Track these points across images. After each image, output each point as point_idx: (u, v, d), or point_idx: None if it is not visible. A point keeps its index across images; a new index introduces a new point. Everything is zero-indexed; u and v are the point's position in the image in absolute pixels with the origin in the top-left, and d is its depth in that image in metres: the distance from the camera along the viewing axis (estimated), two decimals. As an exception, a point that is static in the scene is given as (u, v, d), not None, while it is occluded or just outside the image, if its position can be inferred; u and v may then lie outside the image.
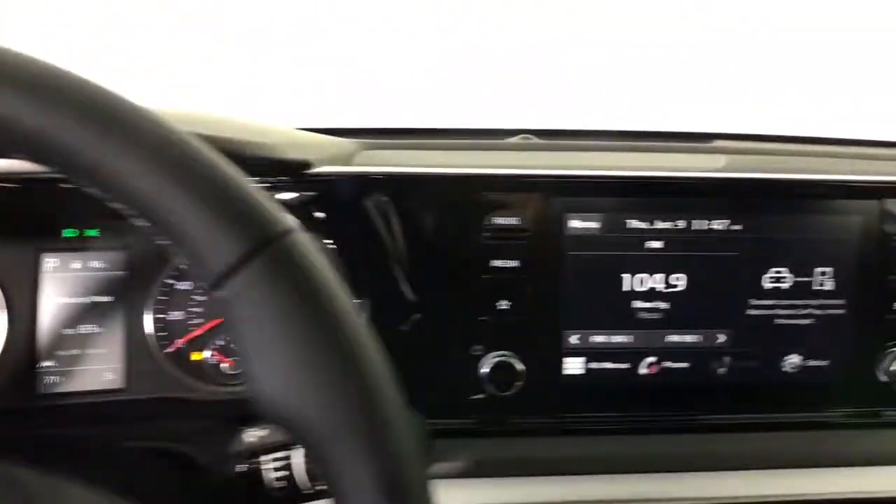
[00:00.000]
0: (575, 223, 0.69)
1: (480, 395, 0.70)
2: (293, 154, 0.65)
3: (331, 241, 0.67)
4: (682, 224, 0.70)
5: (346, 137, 0.75)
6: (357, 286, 0.68)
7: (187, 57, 1.03)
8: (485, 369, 0.68)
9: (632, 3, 1.09)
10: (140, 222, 0.31)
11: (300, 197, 0.67)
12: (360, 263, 0.67)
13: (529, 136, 0.88)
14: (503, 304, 0.69)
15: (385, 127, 0.91)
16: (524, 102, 1.04)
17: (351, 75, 1.05)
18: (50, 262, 0.63)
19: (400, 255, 0.68)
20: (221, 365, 0.67)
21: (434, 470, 0.36)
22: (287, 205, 0.59)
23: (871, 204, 0.71)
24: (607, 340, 0.71)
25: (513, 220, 0.68)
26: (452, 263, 0.69)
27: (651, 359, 0.71)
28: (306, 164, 0.65)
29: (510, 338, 0.69)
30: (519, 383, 0.68)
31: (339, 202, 0.67)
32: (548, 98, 1.05)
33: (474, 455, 0.69)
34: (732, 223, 0.70)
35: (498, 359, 0.68)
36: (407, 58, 1.05)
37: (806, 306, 0.72)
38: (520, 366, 0.68)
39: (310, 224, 0.37)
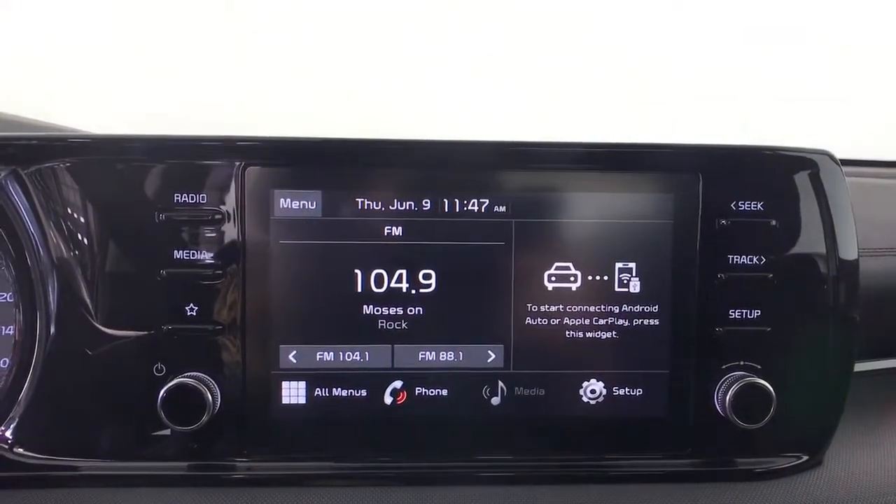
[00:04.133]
0: (286, 202, 0.52)
1: (164, 431, 0.53)
2: None
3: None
4: (427, 204, 0.53)
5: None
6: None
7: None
8: (162, 395, 0.51)
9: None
10: None
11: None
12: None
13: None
14: (190, 309, 0.52)
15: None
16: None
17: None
18: None
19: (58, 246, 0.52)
20: None
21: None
22: None
23: (687, 178, 0.54)
24: (337, 359, 0.54)
25: (200, 198, 0.52)
26: (124, 256, 0.52)
27: (397, 384, 0.54)
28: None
29: (202, 354, 0.53)
30: (206, 415, 0.51)
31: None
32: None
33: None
34: (495, 203, 0.53)
35: (177, 381, 0.51)
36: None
37: (605, 315, 0.54)
38: (209, 391, 0.51)
39: None
